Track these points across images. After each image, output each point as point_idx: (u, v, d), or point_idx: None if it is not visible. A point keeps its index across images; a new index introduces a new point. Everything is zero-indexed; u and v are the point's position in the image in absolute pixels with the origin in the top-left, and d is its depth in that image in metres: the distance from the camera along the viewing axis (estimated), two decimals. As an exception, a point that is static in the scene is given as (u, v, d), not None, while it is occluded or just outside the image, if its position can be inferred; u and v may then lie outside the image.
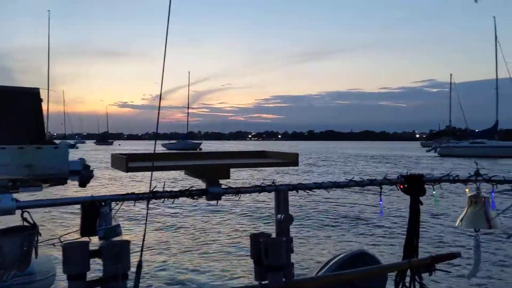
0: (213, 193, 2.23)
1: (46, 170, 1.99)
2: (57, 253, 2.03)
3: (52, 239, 2.00)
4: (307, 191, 2.50)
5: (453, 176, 2.63)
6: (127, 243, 2.00)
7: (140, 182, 20.05)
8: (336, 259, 2.79)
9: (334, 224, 11.41)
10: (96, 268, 2.07)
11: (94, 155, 51.79)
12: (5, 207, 1.80)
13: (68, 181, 2.13)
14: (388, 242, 9.26)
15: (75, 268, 1.91)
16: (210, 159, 2.66)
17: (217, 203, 2.32)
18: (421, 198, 2.60)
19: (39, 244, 1.93)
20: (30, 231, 1.89)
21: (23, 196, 1.92)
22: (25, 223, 1.89)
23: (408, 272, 2.54)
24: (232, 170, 2.32)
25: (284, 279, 2.23)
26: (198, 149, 72.46)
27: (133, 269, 2.01)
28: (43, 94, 2.46)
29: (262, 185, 2.41)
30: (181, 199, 2.23)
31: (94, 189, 17.33)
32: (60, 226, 10.47)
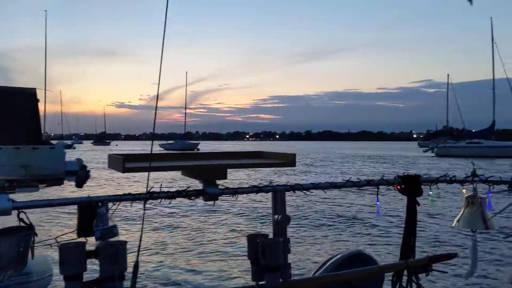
0: (210, 193, 2.23)
1: (43, 170, 1.99)
2: (55, 254, 2.02)
3: (49, 239, 2.00)
4: (304, 191, 2.50)
5: (450, 176, 2.64)
6: (123, 243, 2.00)
7: (137, 182, 20.01)
8: (333, 260, 2.79)
9: (331, 224, 11.41)
10: (92, 269, 2.07)
11: (92, 155, 51.69)
12: (1, 207, 1.80)
13: (65, 181, 2.13)
14: (385, 242, 9.26)
15: (71, 269, 1.90)
16: (207, 159, 2.65)
17: (214, 203, 2.31)
18: (418, 198, 2.60)
19: (35, 245, 1.92)
20: (26, 232, 1.89)
21: (19, 197, 1.92)
22: (22, 224, 1.89)
23: (405, 272, 2.54)
24: (229, 170, 2.32)
25: (281, 280, 2.23)
26: (195, 150, 72.42)
27: (129, 269, 2.01)
28: (40, 94, 2.45)
29: (259, 185, 2.41)
30: (178, 199, 2.23)
31: (92, 189, 17.32)
32: (56, 227, 10.45)
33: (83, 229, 1.98)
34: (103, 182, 21.77)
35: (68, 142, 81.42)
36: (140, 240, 2.10)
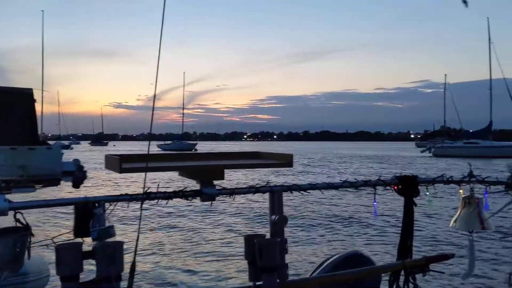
0: (207, 194, 2.23)
1: (39, 171, 1.98)
2: (51, 254, 2.02)
3: (45, 240, 1.99)
4: (302, 192, 2.49)
5: (446, 177, 2.64)
6: (120, 244, 1.99)
7: (134, 183, 19.99)
8: (330, 260, 2.79)
9: (328, 224, 11.42)
10: (89, 269, 2.06)
11: (89, 156, 51.63)
12: (-2, 208, 1.79)
13: (62, 182, 2.12)
14: (382, 243, 9.28)
15: (68, 269, 1.90)
16: (204, 160, 2.65)
17: (211, 204, 2.31)
18: (415, 198, 2.60)
19: (32, 245, 1.92)
20: (23, 232, 1.88)
21: (16, 197, 1.91)
22: (18, 224, 1.88)
23: (402, 273, 2.55)
24: (226, 171, 2.32)
25: (278, 280, 2.22)
26: (193, 150, 72.36)
27: (126, 270, 2.00)
28: (37, 95, 2.44)
29: (256, 186, 2.41)
30: (175, 200, 2.23)
31: (90, 189, 17.29)
32: (53, 227, 10.43)
33: (80, 230, 1.97)
34: (101, 182, 21.76)
35: (66, 142, 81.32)
36: (137, 241, 2.10)
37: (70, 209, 2.04)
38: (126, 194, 2.10)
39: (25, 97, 2.34)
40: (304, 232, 10.42)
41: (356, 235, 10.20)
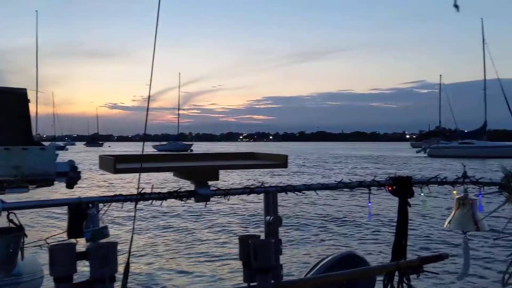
0: (201, 194, 2.22)
1: (33, 171, 1.97)
2: (45, 255, 2.01)
3: (39, 241, 1.99)
4: (296, 192, 2.49)
5: (441, 178, 2.65)
6: (114, 245, 1.98)
7: (130, 183, 19.96)
8: (325, 261, 2.80)
9: (323, 225, 11.43)
10: (83, 270, 2.05)
11: (84, 156, 51.48)
12: (-9, 208, 1.79)
13: (55, 182, 2.11)
14: (377, 242, 9.29)
15: (61, 270, 1.89)
16: (199, 160, 2.64)
17: (205, 204, 2.31)
18: (410, 199, 2.60)
19: (25, 246, 1.91)
20: (16, 233, 1.87)
21: (9, 198, 1.90)
22: (11, 225, 1.87)
23: (397, 273, 2.55)
24: (221, 171, 2.31)
25: (272, 281, 2.22)
26: (189, 151, 72.34)
27: (120, 271, 1.99)
28: (31, 96, 2.44)
29: (251, 186, 2.40)
30: (170, 200, 2.22)
31: (84, 191, 17.24)
32: (47, 228, 10.40)
33: (74, 230, 1.96)
34: (96, 183, 21.70)
35: (61, 143, 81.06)
36: (131, 242, 2.09)
37: (64, 209, 2.03)
38: (120, 195, 2.09)
39: (18, 97, 2.33)
40: (298, 232, 10.43)
41: (350, 236, 10.22)
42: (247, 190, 2.36)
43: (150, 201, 2.17)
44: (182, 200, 2.22)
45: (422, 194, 2.60)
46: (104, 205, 2.03)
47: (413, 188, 2.59)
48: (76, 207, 1.97)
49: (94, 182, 21.82)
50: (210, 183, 2.26)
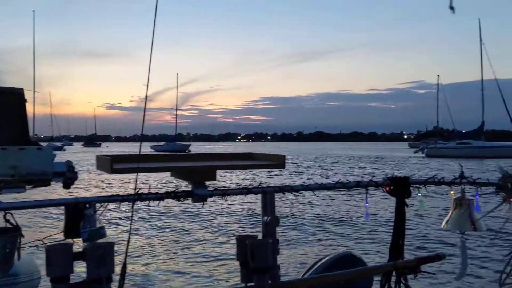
0: (199, 195, 2.22)
1: (30, 171, 1.97)
2: (42, 256, 2.00)
3: (35, 241, 1.98)
4: (294, 192, 2.49)
5: (438, 178, 2.65)
6: (111, 245, 1.98)
7: (127, 184, 19.94)
8: (322, 261, 2.79)
9: (320, 225, 11.44)
10: (80, 271, 2.05)
11: (82, 157, 51.40)
12: (-13, 209, 1.78)
13: (52, 182, 2.11)
14: (374, 243, 9.30)
15: (58, 271, 1.88)
16: (197, 160, 2.64)
17: (203, 205, 2.30)
18: (407, 199, 2.61)
19: (22, 246, 1.90)
20: (12, 233, 1.87)
21: (6, 198, 1.90)
22: (8, 225, 1.87)
23: (394, 274, 2.55)
24: (219, 172, 2.31)
25: (270, 281, 2.22)
26: (187, 151, 72.31)
27: (117, 271, 1.99)
28: (29, 96, 2.43)
29: (249, 187, 2.40)
30: (167, 201, 2.22)
31: (82, 191, 17.21)
32: (43, 228, 10.38)
33: (70, 231, 1.95)
34: (94, 184, 21.68)
35: (58, 144, 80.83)
36: (128, 242, 2.09)
37: (61, 210, 2.02)
38: (117, 195, 2.08)
39: (16, 97, 2.33)
40: (296, 232, 10.43)
41: (348, 236, 10.22)
42: (245, 191, 2.36)
43: (147, 202, 2.17)
44: (179, 201, 2.22)
45: (419, 194, 2.61)
46: (101, 205, 2.02)
47: (411, 188, 2.60)
48: (73, 207, 1.96)
49: (91, 183, 21.80)
50: (207, 183, 2.25)
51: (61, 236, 1.96)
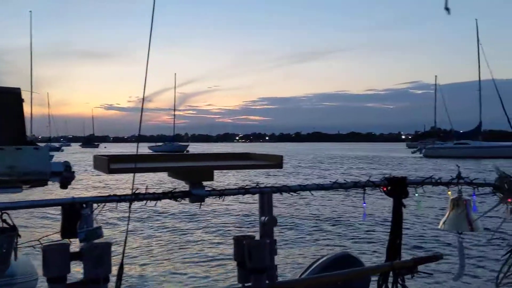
0: (196, 195, 2.21)
1: (27, 171, 1.97)
2: (40, 256, 2.00)
3: (32, 241, 1.97)
4: (291, 193, 2.49)
5: (435, 178, 2.65)
6: (108, 245, 1.97)
7: (125, 184, 19.92)
8: (320, 261, 2.79)
9: (318, 226, 11.44)
10: (77, 271, 2.05)
11: (80, 157, 51.30)
12: (-16, 209, 1.78)
13: (49, 182, 2.10)
14: (371, 244, 9.31)
15: (55, 271, 1.88)
16: (194, 160, 2.64)
17: (200, 205, 2.30)
18: (404, 199, 2.61)
19: (18, 246, 1.90)
20: (9, 233, 1.86)
21: (2, 198, 1.90)
22: (5, 225, 1.86)
23: (391, 274, 2.55)
24: (217, 172, 2.31)
25: (267, 282, 2.22)
26: (185, 151, 72.23)
27: (114, 271, 1.99)
28: (26, 97, 2.43)
29: (246, 187, 2.40)
30: (165, 201, 2.21)
31: (79, 191, 17.19)
32: (40, 228, 10.36)
33: (67, 231, 1.95)
34: (91, 184, 21.65)
35: (56, 144, 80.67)
36: (125, 242, 2.08)
37: (58, 210, 2.02)
38: (114, 195, 2.08)
39: (13, 96, 2.32)
40: (293, 232, 10.44)
41: (345, 236, 10.23)
42: (242, 191, 2.36)
43: (144, 202, 2.16)
44: (176, 201, 2.21)
45: (416, 194, 2.61)
46: (98, 206, 2.02)
47: (408, 188, 2.60)
48: (70, 207, 1.96)
49: (89, 183, 21.78)
50: (205, 183, 2.25)
51: (58, 236, 1.95)
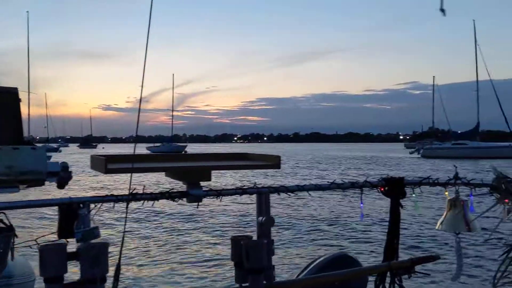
0: (193, 195, 2.21)
1: (24, 171, 1.96)
2: (37, 257, 2.00)
3: (29, 241, 1.97)
4: (289, 193, 2.49)
5: (433, 179, 2.65)
6: (105, 245, 1.97)
7: (123, 185, 19.89)
8: (317, 262, 2.79)
9: (315, 226, 11.45)
10: (73, 271, 2.04)
11: (77, 158, 51.22)
12: (-20, 208, 1.77)
13: (46, 182, 2.09)
14: (369, 243, 9.32)
15: (52, 271, 1.87)
16: (192, 161, 2.64)
17: (197, 205, 2.30)
18: (402, 200, 2.61)
19: (15, 246, 1.90)
20: (6, 233, 1.86)
21: (-1, 198, 1.89)
22: (1, 225, 1.86)
23: (388, 274, 2.55)
24: (215, 172, 2.31)
25: (264, 282, 2.22)
26: (183, 152, 72.16)
27: (111, 272, 1.98)
28: (24, 97, 2.43)
29: (244, 187, 2.40)
30: (162, 201, 2.21)
31: (76, 192, 17.17)
32: (37, 229, 10.35)
33: (64, 231, 1.94)
34: (89, 184, 21.63)
35: (54, 145, 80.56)
36: (122, 242, 2.08)
37: (55, 210, 2.01)
38: (112, 195, 2.08)
39: (10, 96, 2.32)
40: (291, 233, 10.44)
41: (342, 236, 10.24)
42: (240, 191, 2.36)
43: (142, 202, 2.16)
44: (174, 201, 2.21)
45: (414, 195, 2.61)
46: (95, 206, 2.02)
47: (405, 189, 2.60)
48: (66, 207, 1.96)
49: (87, 184, 21.76)
50: (202, 183, 2.25)
51: (55, 236, 1.95)
